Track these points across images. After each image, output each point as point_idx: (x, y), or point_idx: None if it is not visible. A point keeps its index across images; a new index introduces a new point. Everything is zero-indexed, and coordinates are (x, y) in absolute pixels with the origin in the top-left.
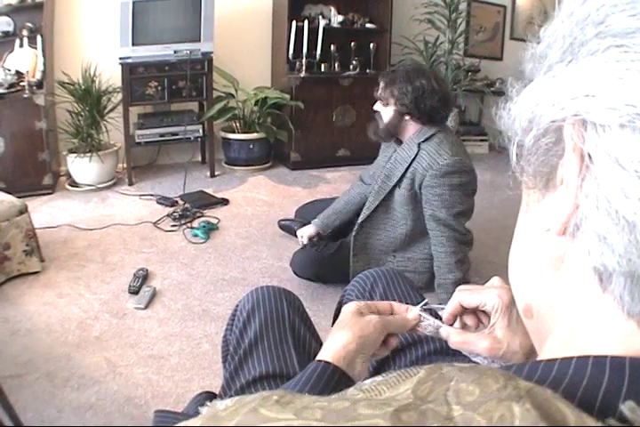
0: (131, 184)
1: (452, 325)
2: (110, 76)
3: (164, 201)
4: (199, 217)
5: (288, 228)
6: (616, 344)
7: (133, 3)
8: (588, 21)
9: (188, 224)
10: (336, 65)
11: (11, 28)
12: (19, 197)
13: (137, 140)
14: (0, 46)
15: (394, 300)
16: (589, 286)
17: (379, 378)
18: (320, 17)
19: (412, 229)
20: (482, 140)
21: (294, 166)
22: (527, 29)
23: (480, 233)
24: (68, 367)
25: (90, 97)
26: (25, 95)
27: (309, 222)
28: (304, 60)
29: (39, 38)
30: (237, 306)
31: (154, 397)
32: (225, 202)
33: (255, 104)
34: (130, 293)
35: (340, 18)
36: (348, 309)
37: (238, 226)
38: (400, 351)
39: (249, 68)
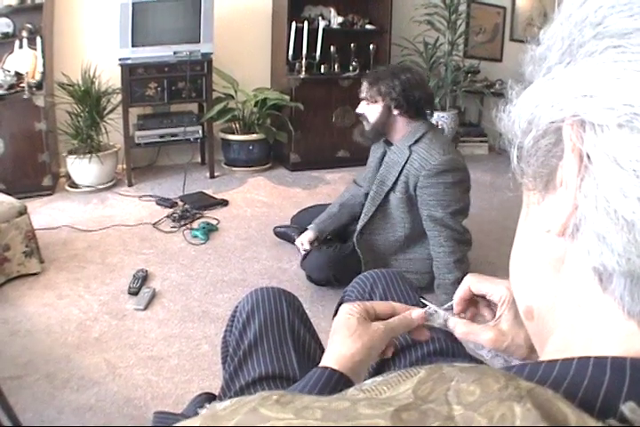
0: (130, 185)
1: (460, 316)
2: (110, 78)
3: (163, 202)
4: (199, 218)
5: (284, 234)
6: (617, 345)
7: (133, 4)
8: (586, 23)
9: (188, 225)
10: (336, 66)
11: (10, 30)
12: (18, 199)
13: (136, 142)
14: (0, 47)
15: (393, 301)
16: (589, 287)
17: (379, 378)
18: (320, 18)
19: (411, 231)
20: (481, 142)
21: (294, 167)
22: (527, 31)
23: (480, 234)
24: (68, 368)
25: (89, 98)
26: (24, 96)
27: (306, 229)
28: (304, 62)
29: (39, 39)
30: (237, 307)
31: (153, 398)
32: (224, 203)
33: (255, 105)
34: (129, 294)
35: (340, 19)
36: (348, 313)
37: (238, 227)
38: (400, 352)
39: (249, 69)
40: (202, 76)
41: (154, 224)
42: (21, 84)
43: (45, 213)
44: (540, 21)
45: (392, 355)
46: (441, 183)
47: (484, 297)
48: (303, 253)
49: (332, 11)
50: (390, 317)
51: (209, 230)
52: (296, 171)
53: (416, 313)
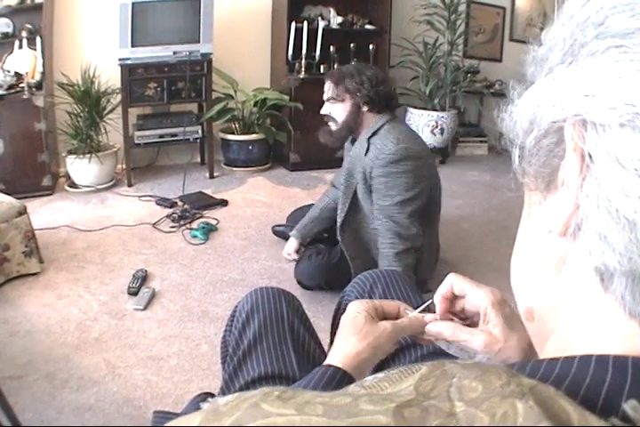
0: (130, 185)
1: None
2: (109, 78)
3: (163, 202)
4: (198, 218)
5: (282, 233)
6: (618, 344)
7: (133, 4)
8: (587, 23)
9: (188, 225)
10: (335, 66)
11: (10, 30)
12: (18, 199)
13: (136, 142)
14: (0, 48)
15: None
16: (591, 287)
17: (380, 375)
18: (319, 18)
19: None
20: (481, 142)
21: (293, 167)
22: (526, 31)
23: (479, 234)
24: (68, 368)
25: (89, 98)
26: (24, 96)
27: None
28: (303, 62)
29: (38, 39)
30: (236, 307)
31: (153, 398)
32: (224, 203)
33: (254, 105)
34: (129, 294)
35: (340, 19)
36: (356, 311)
37: (237, 227)
38: (400, 352)
39: (248, 69)
40: (201, 76)
41: (153, 224)
42: (21, 85)
43: (45, 213)
44: (540, 21)
45: (392, 354)
46: (392, 173)
47: (462, 298)
48: (294, 262)
49: (332, 11)
50: (396, 317)
51: (208, 230)
52: (296, 171)
53: (429, 317)
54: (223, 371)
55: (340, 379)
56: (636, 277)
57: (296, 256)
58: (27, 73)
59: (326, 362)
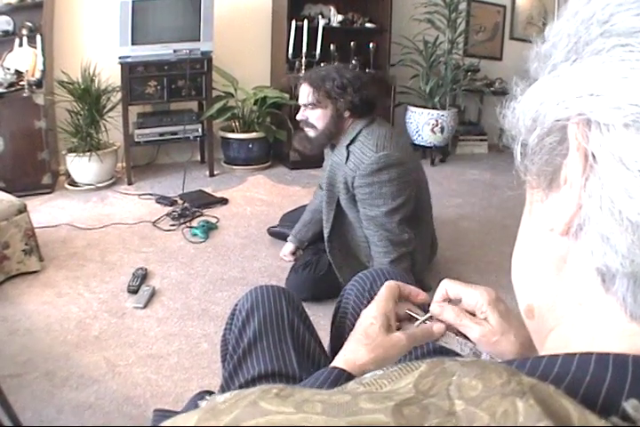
0: (130, 183)
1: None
2: (110, 76)
3: (163, 200)
4: (198, 216)
5: (278, 234)
6: (618, 343)
7: (133, 2)
8: (593, 20)
9: (188, 223)
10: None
11: (10, 28)
12: (18, 197)
13: (136, 140)
14: (0, 45)
15: None
16: (592, 287)
17: (379, 372)
18: (320, 16)
19: None
20: (481, 140)
21: (293, 166)
22: (527, 29)
23: (479, 233)
24: (67, 367)
25: (89, 96)
26: (24, 94)
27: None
28: (303, 60)
29: (39, 37)
30: (236, 305)
31: (153, 396)
32: (224, 201)
33: (254, 103)
34: (129, 292)
35: (340, 17)
36: (373, 317)
37: (237, 225)
38: None
39: (248, 67)
40: (201, 75)
41: (153, 222)
42: (21, 83)
43: (45, 211)
44: (540, 20)
45: None
46: (375, 182)
47: (458, 302)
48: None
49: (332, 9)
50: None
51: (208, 229)
52: (295, 169)
53: (437, 327)
54: (223, 369)
55: (345, 381)
56: (637, 280)
57: (292, 258)
58: (27, 71)
59: (332, 365)
